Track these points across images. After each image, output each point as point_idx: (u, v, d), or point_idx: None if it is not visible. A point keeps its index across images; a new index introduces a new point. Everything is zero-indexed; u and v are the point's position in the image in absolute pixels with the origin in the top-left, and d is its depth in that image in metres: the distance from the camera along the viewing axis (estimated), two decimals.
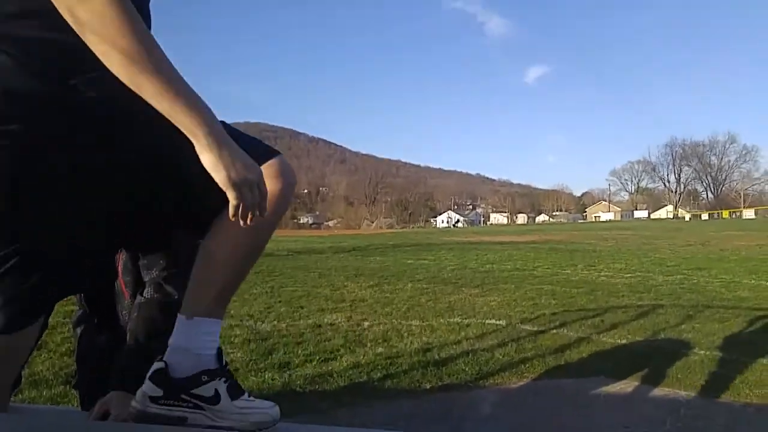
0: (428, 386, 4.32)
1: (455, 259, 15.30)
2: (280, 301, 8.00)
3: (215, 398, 1.52)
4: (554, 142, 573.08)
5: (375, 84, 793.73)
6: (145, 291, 1.93)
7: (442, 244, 23.54)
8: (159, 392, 1.50)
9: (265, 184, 1.33)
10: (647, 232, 30.17)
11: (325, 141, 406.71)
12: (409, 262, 14.63)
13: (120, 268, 2.07)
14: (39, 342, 2.44)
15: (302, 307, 7.55)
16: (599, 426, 3.57)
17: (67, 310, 6.21)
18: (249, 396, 1.60)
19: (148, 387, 1.50)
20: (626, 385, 4.33)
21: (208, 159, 1.23)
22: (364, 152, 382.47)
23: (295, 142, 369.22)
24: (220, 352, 1.56)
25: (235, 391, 1.56)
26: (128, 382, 1.80)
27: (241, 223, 1.31)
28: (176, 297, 1.92)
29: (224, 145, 1.24)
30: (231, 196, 1.26)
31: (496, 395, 4.16)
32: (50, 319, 2.42)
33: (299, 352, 5.22)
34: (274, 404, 1.63)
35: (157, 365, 1.50)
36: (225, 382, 1.54)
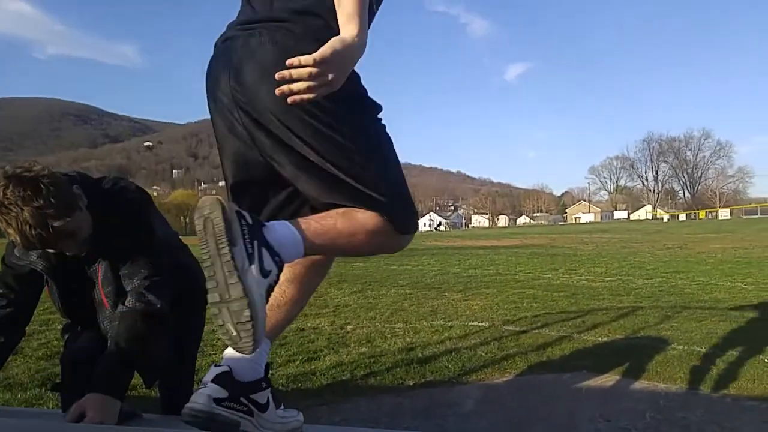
0: (411, 383, 4.34)
1: (438, 264, 15.35)
2: None
3: (266, 406, 1.64)
4: (534, 139, 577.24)
5: None
6: (127, 300, 1.94)
7: (425, 249, 23.50)
8: (224, 394, 1.58)
9: (336, 84, 1.37)
10: (626, 234, 30.45)
11: None
12: (392, 267, 14.64)
13: (100, 279, 2.06)
14: (15, 347, 2.43)
15: None
16: (581, 419, 3.61)
17: (43, 318, 6.18)
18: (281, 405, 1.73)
19: (212, 389, 1.58)
20: (607, 379, 4.39)
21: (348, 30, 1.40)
22: None
23: None
24: (267, 367, 1.70)
25: (277, 402, 1.72)
26: (108, 385, 1.81)
27: (286, 74, 1.32)
28: (158, 306, 1.96)
29: (360, 45, 1.41)
30: (322, 49, 1.33)
31: (479, 391, 4.19)
32: (27, 327, 2.41)
33: (282, 352, 5.21)
34: (299, 411, 1.80)
35: (221, 369, 1.59)
36: (271, 392, 1.68)
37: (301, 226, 1.56)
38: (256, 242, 1.45)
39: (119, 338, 1.89)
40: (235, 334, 1.38)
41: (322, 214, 1.61)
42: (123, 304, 1.95)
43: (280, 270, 1.51)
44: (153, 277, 2.00)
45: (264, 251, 1.46)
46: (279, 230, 1.53)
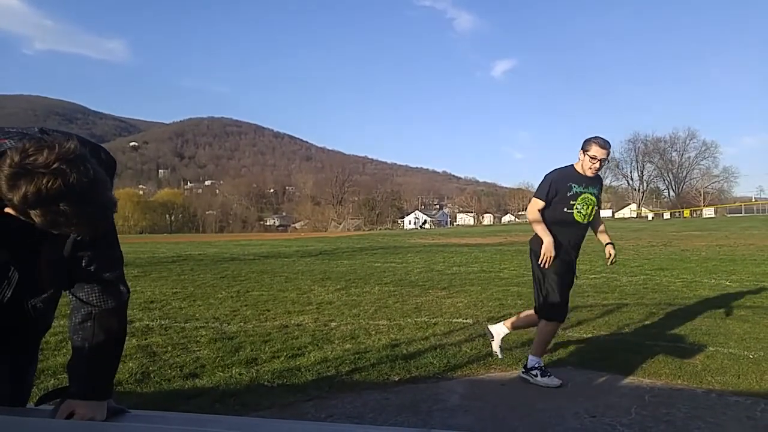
0: (396, 379, 4.32)
1: (422, 262, 15.32)
2: (246, 305, 7.90)
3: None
4: (520, 139, 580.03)
5: (341, 80, 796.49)
6: (92, 295, 1.72)
7: (410, 246, 23.54)
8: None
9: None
10: (611, 232, 30.62)
11: (290, 136, 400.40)
12: (376, 265, 14.60)
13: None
14: None
15: (268, 310, 7.47)
16: (566, 415, 3.59)
17: None
18: None
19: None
20: (592, 376, 4.38)
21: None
22: (330, 148, 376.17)
23: (260, 138, 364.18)
24: None
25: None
26: (97, 392, 1.69)
27: None
28: (127, 297, 1.80)
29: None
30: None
31: (464, 386, 4.17)
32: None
33: (266, 349, 5.17)
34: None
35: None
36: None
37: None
38: None
39: (98, 340, 1.72)
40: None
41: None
42: (84, 301, 1.71)
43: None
44: (116, 258, 1.77)
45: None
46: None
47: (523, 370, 4.35)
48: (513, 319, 4.92)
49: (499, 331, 4.90)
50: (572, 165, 4.56)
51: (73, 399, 1.67)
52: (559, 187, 4.43)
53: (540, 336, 4.45)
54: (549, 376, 4.24)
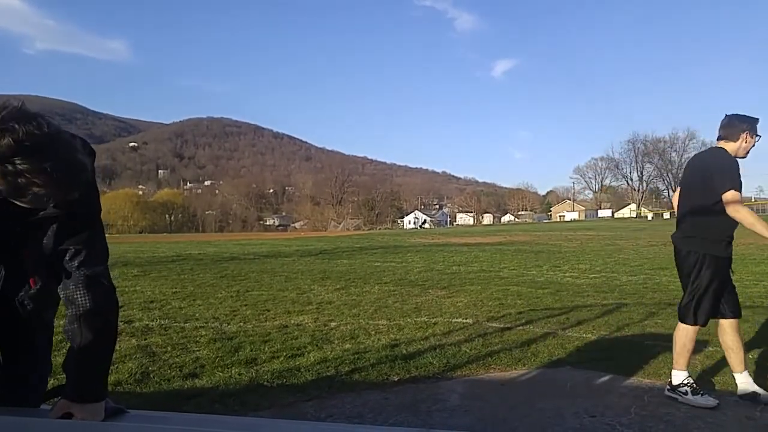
0: (396, 379, 4.31)
1: (422, 262, 15.33)
2: (245, 305, 7.90)
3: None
4: (520, 139, 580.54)
5: (341, 80, 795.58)
6: (80, 293, 1.68)
7: (409, 246, 23.55)
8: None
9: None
10: (611, 232, 30.61)
11: (289, 137, 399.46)
12: (376, 264, 14.61)
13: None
14: None
15: (268, 310, 7.47)
16: (565, 415, 3.59)
17: None
18: None
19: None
20: (592, 376, 4.38)
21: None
22: (329, 148, 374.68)
23: (260, 139, 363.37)
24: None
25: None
26: (93, 394, 1.68)
27: None
28: (112, 293, 1.77)
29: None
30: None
31: (464, 387, 4.17)
32: None
33: (266, 349, 5.17)
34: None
35: None
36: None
37: None
38: None
39: (86, 341, 1.68)
40: None
41: None
42: (70, 300, 1.68)
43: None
44: (101, 253, 1.74)
45: None
46: None
47: (669, 388, 3.86)
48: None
49: (741, 375, 3.91)
50: (725, 150, 3.89)
51: (68, 400, 1.65)
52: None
53: (679, 344, 4.03)
54: (702, 395, 3.71)
